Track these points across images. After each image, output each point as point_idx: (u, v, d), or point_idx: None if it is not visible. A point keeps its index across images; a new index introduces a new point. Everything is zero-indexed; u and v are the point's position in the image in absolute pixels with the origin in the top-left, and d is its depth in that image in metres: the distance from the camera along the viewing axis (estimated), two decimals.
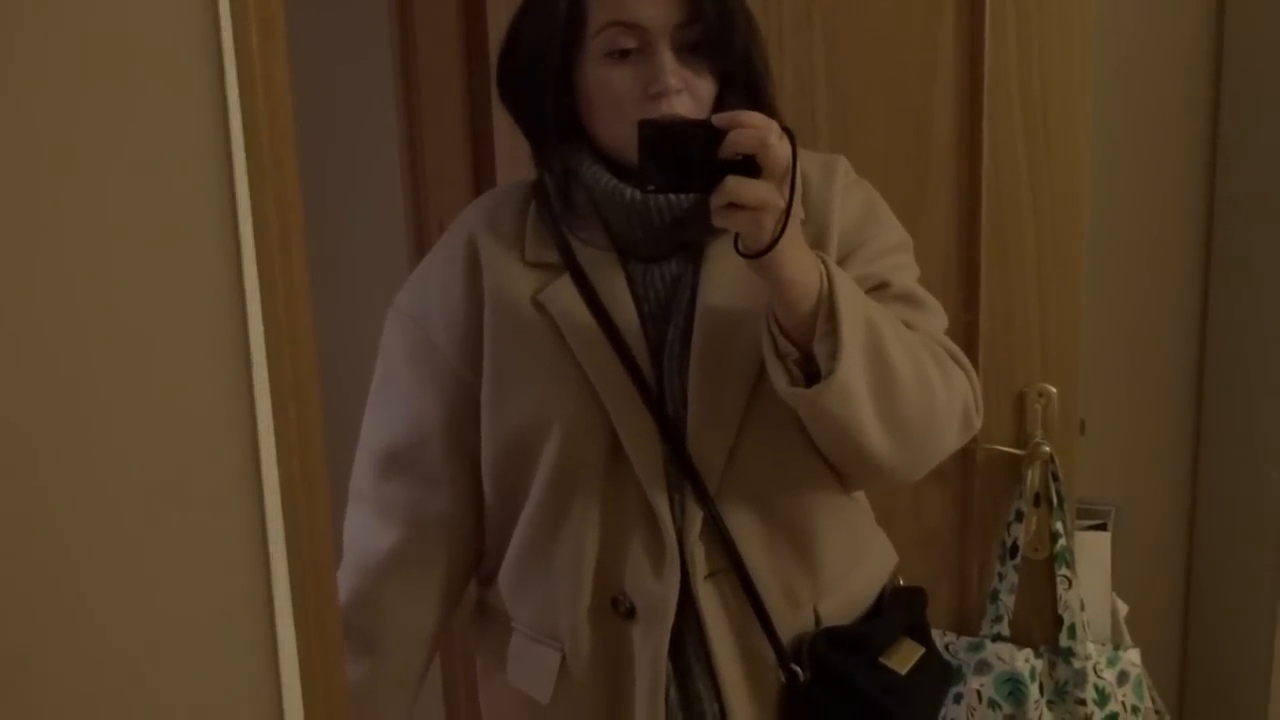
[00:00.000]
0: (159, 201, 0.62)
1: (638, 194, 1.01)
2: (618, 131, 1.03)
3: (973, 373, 1.09)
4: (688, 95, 1.01)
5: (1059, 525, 1.46)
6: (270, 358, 0.72)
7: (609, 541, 1.07)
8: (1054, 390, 1.46)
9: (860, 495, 1.17)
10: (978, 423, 1.09)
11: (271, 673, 0.67)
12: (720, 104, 1.05)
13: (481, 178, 1.58)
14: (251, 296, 0.69)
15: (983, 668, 1.47)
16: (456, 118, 1.56)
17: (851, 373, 0.94)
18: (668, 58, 1.00)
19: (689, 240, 1.06)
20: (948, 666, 1.22)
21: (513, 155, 1.47)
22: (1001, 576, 1.49)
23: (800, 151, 0.93)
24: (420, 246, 1.63)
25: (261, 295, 0.71)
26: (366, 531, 1.14)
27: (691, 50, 1.01)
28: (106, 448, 0.61)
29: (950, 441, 1.08)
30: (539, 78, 1.05)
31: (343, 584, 1.12)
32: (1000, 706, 1.47)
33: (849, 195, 1.10)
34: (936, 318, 1.11)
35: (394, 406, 1.14)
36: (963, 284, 1.44)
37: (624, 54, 1.01)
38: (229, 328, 0.64)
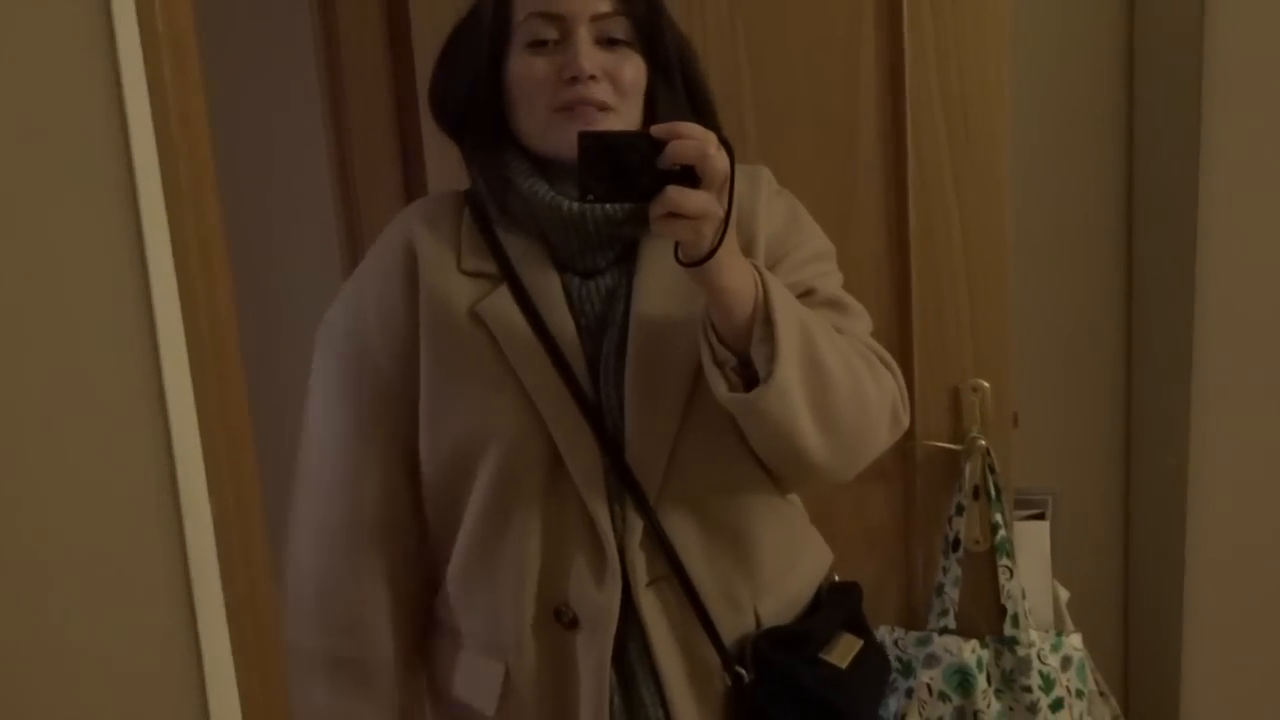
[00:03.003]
0: (62, 232, 0.62)
1: (574, 206, 1.02)
2: (536, 123, 1.04)
3: (899, 373, 1.12)
4: (607, 84, 1.02)
5: (998, 517, 1.49)
6: (196, 381, 0.71)
7: (551, 553, 1.07)
8: (987, 385, 1.49)
9: (795, 496, 1.19)
10: (905, 420, 1.12)
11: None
12: (654, 103, 1.06)
13: (412, 187, 1.57)
14: (170, 320, 0.68)
15: (931, 661, 1.49)
16: (385, 126, 1.56)
17: (788, 376, 0.96)
18: (585, 45, 1.01)
19: (625, 239, 1.06)
20: (886, 657, 1.25)
21: (443, 163, 1.47)
22: (945, 570, 1.51)
23: None
24: (354, 257, 1.62)
25: (185, 319, 0.70)
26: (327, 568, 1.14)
27: (613, 43, 1.03)
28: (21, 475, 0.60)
29: (881, 440, 1.10)
30: (468, 80, 1.06)
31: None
32: (950, 698, 1.49)
33: (773, 205, 1.13)
34: (862, 321, 1.14)
35: (329, 472, 1.13)
36: (894, 285, 1.47)
37: (543, 44, 1.03)
38: (140, 354, 0.63)
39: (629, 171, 0.92)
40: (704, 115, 1.11)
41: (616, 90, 1.03)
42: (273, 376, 1.78)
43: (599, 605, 1.05)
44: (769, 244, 1.10)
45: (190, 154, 0.73)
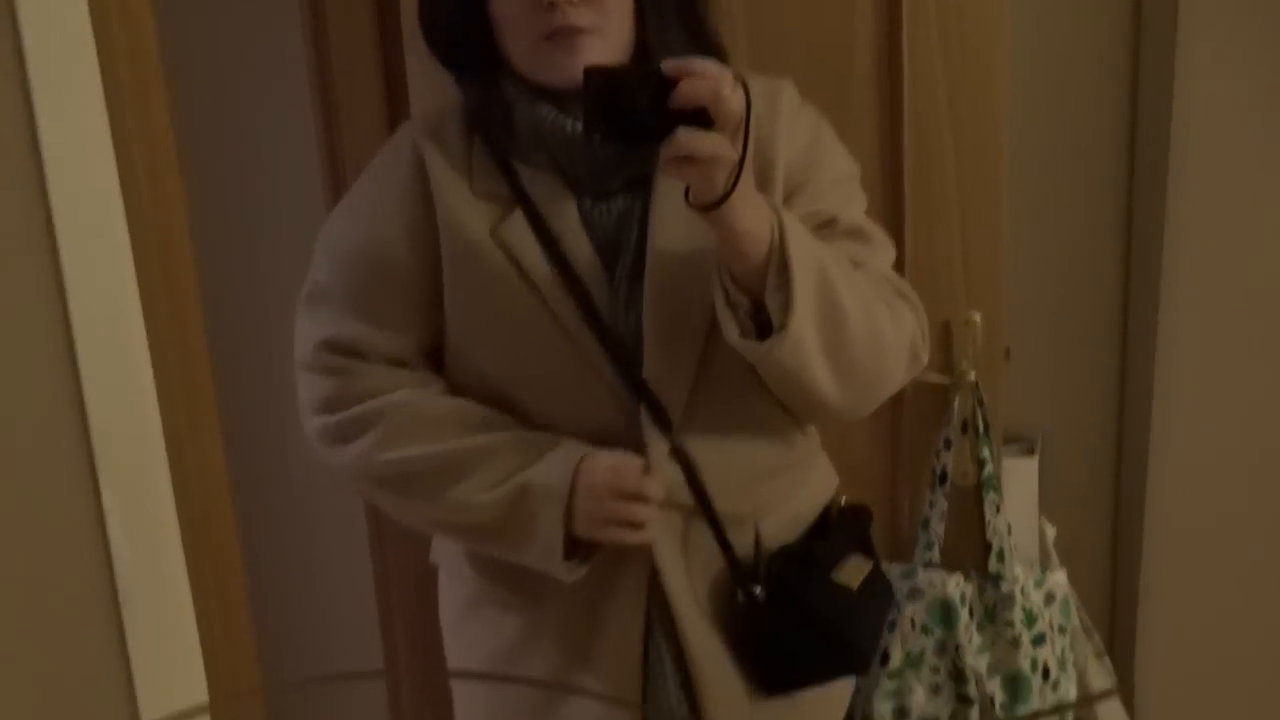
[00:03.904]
0: None
1: (580, 128, 0.99)
2: (523, 52, 1.01)
3: (919, 307, 1.09)
4: (586, 7, 0.98)
5: (986, 452, 1.48)
6: (144, 288, 0.70)
7: None
8: (979, 318, 1.46)
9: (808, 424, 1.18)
10: (924, 357, 1.10)
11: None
12: (644, 24, 1.02)
13: (397, 115, 1.54)
14: (119, 253, 0.66)
15: (915, 594, 1.49)
16: (368, 55, 1.52)
17: (803, 325, 0.93)
18: None
19: (636, 172, 1.04)
20: (889, 584, 1.25)
21: (427, 92, 1.44)
22: (932, 504, 1.50)
23: (743, 75, 0.90)
24: (336, 189, 1.60)
25: (134, 250, 0.68)
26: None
27: None
28: None
29: (898, 379, 1.08)
30: (452, 10, 1.03)
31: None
32: (932, 631, 1.49)
33: (795, 125, 1.08)
34: (884, 251, 1.10)
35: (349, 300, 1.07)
36: (887, 215, 1.43)
37: None
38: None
39: (637, 111, 0.87)
40: (696, 33, 1.07)
41: (598, 11, 0.99)
42: (254, 302, 1.77)
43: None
44: (789, 168, 1.06)
45: (134, 53, 0.70)
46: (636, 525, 1.02)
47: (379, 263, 1.06)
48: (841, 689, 1.20)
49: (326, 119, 1.57)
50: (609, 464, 1.02)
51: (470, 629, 1.19)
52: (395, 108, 1.53)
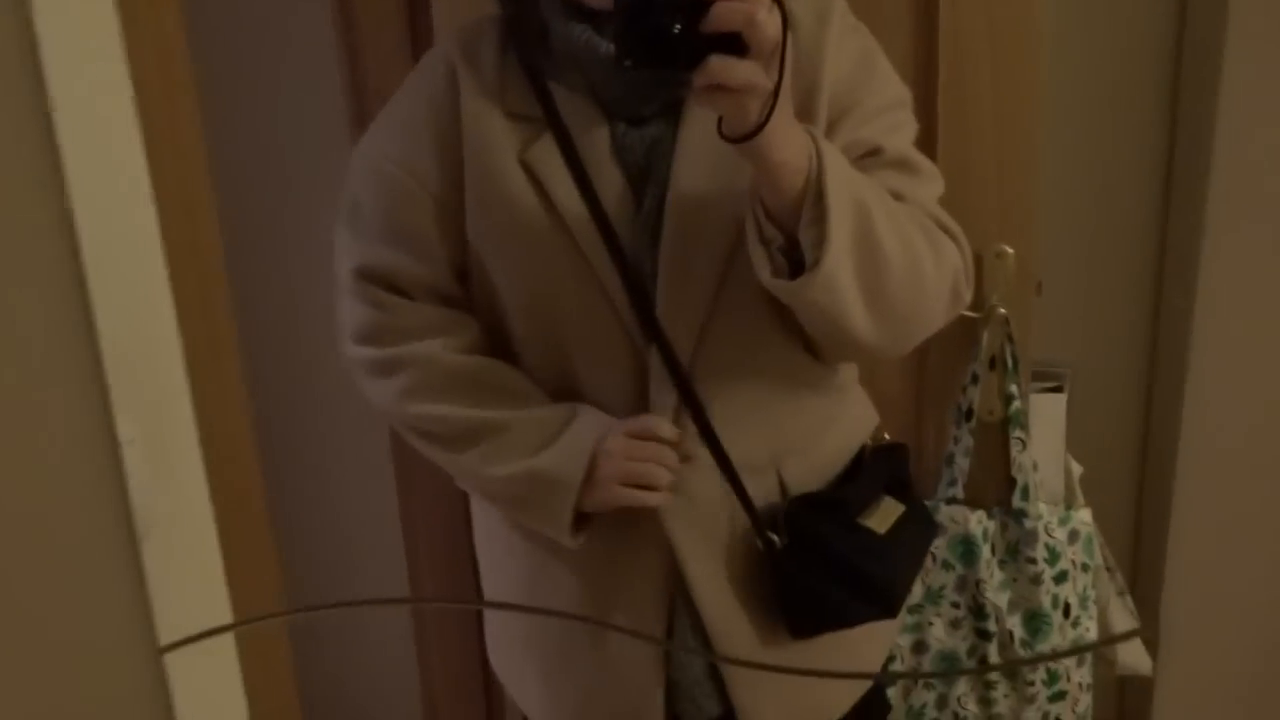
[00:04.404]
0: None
1: (613, 48, 0.95)
2: None
3: (964, 242, 1.05)
4: None
5: (1014, 388, 1.46)
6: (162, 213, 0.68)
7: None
8: (1011, 251, 1.43)
9: (834, 365, 1.14)
10: (967, 295, 1.06)
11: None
12: None
13: (419, 39, 1.50)
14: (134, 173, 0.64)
15: (938, 530, 1.48)
16: None
17: (838, 263, 0.89)
18: None
19: (671, 98, 1.00)
20: (931, 521, 1.23)
21: (451, 18, 1.40)
22: (957, 440, 1.49)
23: None
24: (360, 116, 1.57)
25: (151, 174, 0.66)
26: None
27: None
28: None
29: (939, 318, 1.05)
30: None
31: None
32: (953, 567, 1.49)
33: (844, 45, 1.03)
34: (931, 184, 1.06)
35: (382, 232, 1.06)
36: (918, 139, 1.39)
37: None
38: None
39: (668, 37, 0.83)
40: None
41: None
42: (272, 226, 1.75)
43: None
44: (834, 91, 1.01)
45: None
46: (652, 487, 1.03)
47: (410, 183, 1.04)
48: (880, 632, 1.18)
49: (347, 39, 1.53)
50: (626, 438, 1.02)
51: (497, 550, 1.19)
52: (418, 30, 1.50)
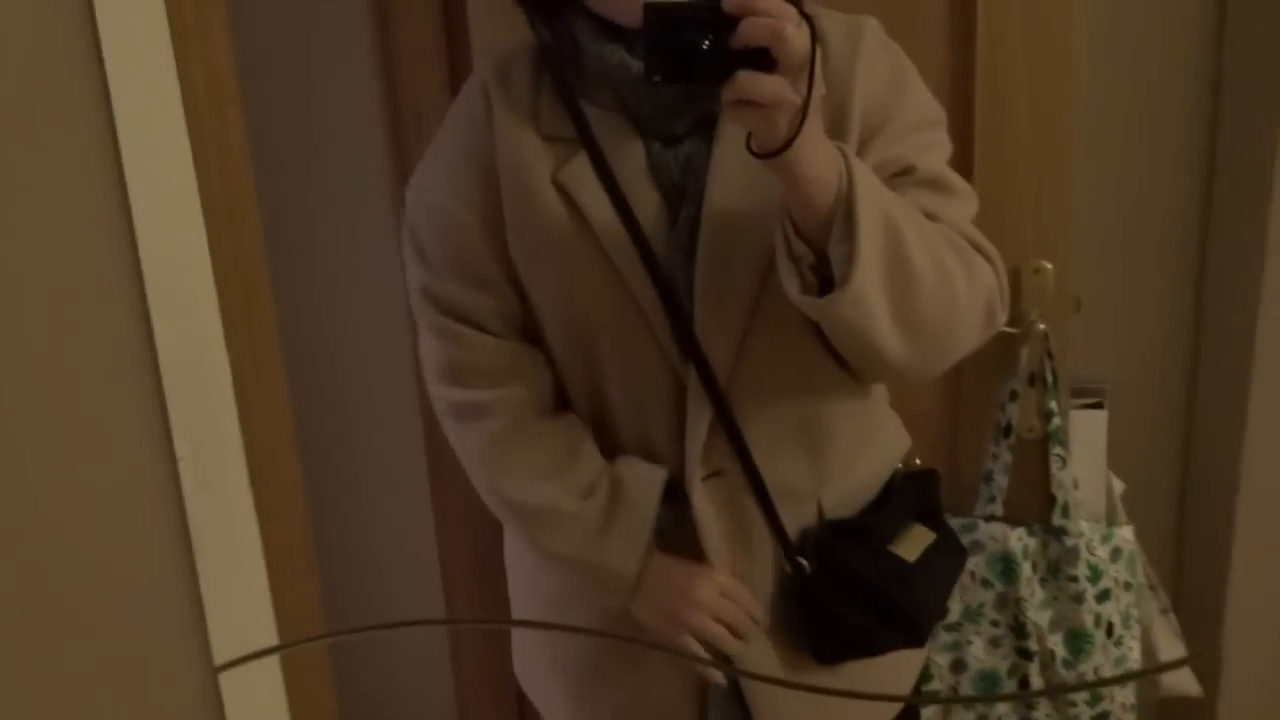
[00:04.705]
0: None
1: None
2: None
3: (999, 262, 1.03)
4: None
5: (1053, 404, 1.44)
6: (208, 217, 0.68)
7: (631, 431, 1.07)
8: (1049, 266, 1.42)
9: (870, 385, 1.14)
10: (1003, 316, 1.04)
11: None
12: None
13: (456, 56, 1.52)
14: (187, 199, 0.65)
15: (975, 548, 1.47)
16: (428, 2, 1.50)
17: (867, 280, 0.88)
18: None
19: (704, 114, 1.00)
20: (961, 548, 1.21)
21: (488, 39, 1.42)
22: (995, 457, 1.48)
23: (822, 12, 0.86)
24: (396, 137, 1.58)
25: (202, 199, 0.67)
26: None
27: None
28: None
29: (972, 340, 1.03)
30: None
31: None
32: (993, 585, 1.47)
33: (875, 64, 1.03)
34: (965, 204, 1.04)
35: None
36: (955, 156, 1.38)
37: None
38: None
39: (697, 52, 0.83)
40: None
41: None
42: (311, 248, 1.77)
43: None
44: (866, 109, 1.01)
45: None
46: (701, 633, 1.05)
47: (461, 212, 1.04)
48: (908, 660, 1.17)
49: (385, 58, 1.55)
50: (717, 595, 1.05)
51: (526, 568, 1.20)
52: (455, 54, 1.51)
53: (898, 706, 1.20)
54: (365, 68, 1.61)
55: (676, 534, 1.05)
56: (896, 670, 1.16)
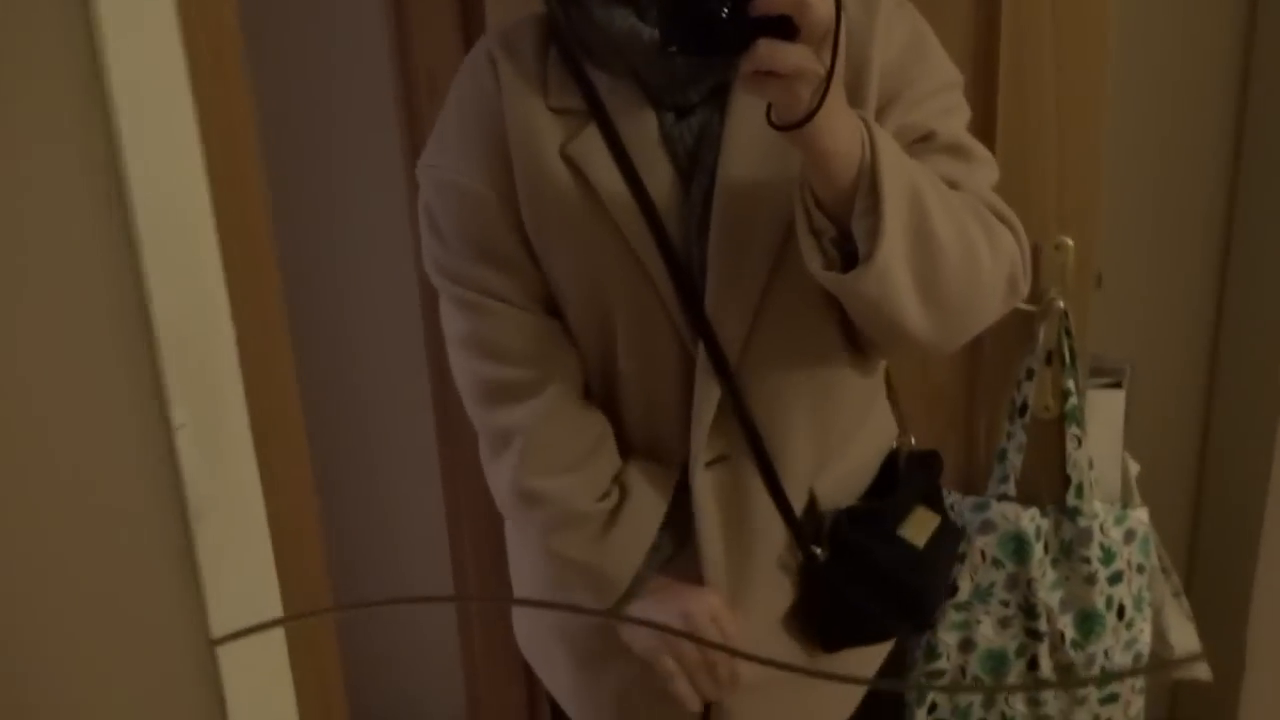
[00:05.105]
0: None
1: (656, 34, 0.91)
2: None
3: (1022, 233, 1.00)
4: None
5: (1071, 383, 1.42)
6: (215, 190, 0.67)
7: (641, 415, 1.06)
8: (1070, 243, 1.39)
9: (876, 360, 1.12)
10: (1024, 288, 1.01)
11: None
12: None
13: (470, 23, 1.49)
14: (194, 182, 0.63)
15: (987, 527, 1.45)
16: None
17: (892, 255, 0.86)
18: None
19: (719, 83, 0.97)
20: (959, 531, 1.21)
21: (501, 7, 1.39)
22: (1010, 435, 1.46)
23: None
24: (408, 100, 1.56)
25: (208, 169, 0.65)
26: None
27: None
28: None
29: (995, 311, 1.00)
30: None
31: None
32: (1004, 565, 1.46)
33: (893, 28, 0.99)
34: (986, 170, 1.02)
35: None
36: (978, 128, 1.35)
37: None
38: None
39: (715, 20, 0.80)
40: None
41: None
42: (321, 220, 1.75)
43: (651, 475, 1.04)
44: (884, 73, 0.97)
45: None
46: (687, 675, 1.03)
47: (473, 191, 1.02)
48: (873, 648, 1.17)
49: (399, 24, 1.52)
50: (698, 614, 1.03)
51: (523, 560, 1.19)
52: (470, 21, 1.48)
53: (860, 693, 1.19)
54: (378, 32, 1.58)
55: (678, 553, 1.05)
56: (859, 656, 1.15)
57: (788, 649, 1.08)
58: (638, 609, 1.05)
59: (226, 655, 0.58)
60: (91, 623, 0.57)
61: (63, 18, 0.53)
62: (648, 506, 1.04)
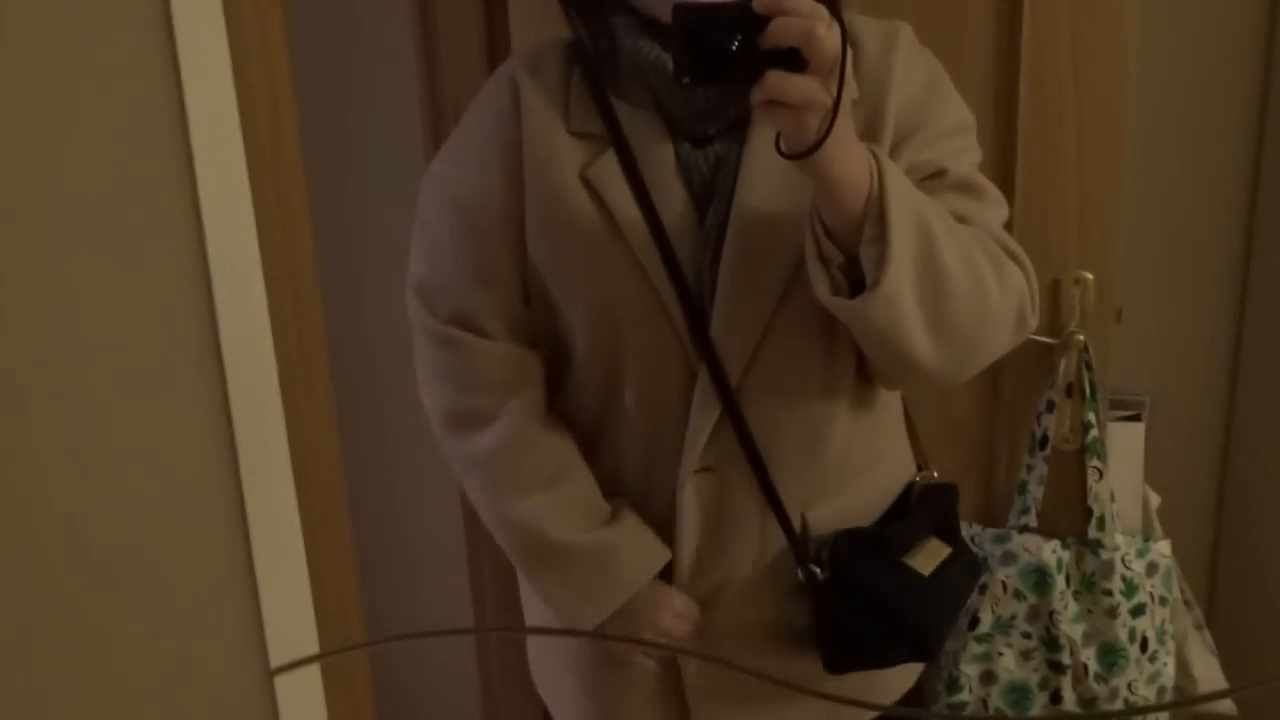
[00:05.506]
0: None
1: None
2: None
3: (1030, 269, 1.02)
4: None
5: (1091, 416, 1.42)
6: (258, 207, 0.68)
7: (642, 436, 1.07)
8: (1091, 277, 1.40)
9: (888, 397, 1.13)
10: (1033, 322, 1.03)
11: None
12: None
13: (497, 59, 1.52)
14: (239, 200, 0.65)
15: (1008, 559, 1.45)
16: None
17: (899, 283, 0.88)
18: None
19: (736, 115, 0.99)
20: (976, 563, 1.20)
21: (529, 31, 1.41)
22: (1030, 468, 1.46)
23: (857, 18, 0.85)
24: (436, 131, 1.58)
25: (252, 186, 0.67)
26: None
27: None
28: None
29: (1003, 345, 1.02)
30: None
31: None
32: (1025, 597, 1.46)
33: (910, 69, 1.02)
34: (995, 209, 1.04)
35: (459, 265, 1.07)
36: (998, 163, 1.37)
37: None
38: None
39: (727, 52, 0.83)
40: None
41: None
42: (355, 244, 1.77)
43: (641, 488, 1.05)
44: (900, 112, 1.00)
45: None
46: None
47: (478, 208, 1.04)
48: (903, 671, 1.17)
49: (427, 54, 1.55)
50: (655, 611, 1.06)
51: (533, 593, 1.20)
52: (495, 45, 1.51)
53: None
54: (408, 66, 1.60)
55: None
56: (894, 676, 1.15)
57: (776, 663, 1.09)
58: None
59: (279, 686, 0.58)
60: (156, 655, 0.58)
61: (150, 93, 0.55)
62: (633, 575, 1.06)
